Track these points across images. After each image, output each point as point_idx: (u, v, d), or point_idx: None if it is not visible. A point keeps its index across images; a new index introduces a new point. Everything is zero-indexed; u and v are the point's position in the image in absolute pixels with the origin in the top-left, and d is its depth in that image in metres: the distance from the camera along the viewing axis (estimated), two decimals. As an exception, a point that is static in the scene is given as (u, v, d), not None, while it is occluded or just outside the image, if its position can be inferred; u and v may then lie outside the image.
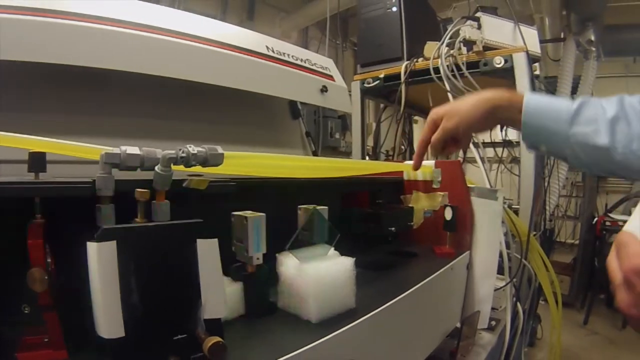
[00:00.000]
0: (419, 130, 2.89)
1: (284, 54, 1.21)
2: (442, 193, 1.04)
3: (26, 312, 0.43)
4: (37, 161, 0.51)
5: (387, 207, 0.98)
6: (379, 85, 1.69)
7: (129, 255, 0.41)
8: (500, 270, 1.31)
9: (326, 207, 0.73)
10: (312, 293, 0.58)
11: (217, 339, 0.43)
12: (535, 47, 1.62)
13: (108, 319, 0.39)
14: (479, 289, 1.06)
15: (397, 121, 1.69)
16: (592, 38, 3.59)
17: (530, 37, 1.62)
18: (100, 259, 0.39)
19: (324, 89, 1.22)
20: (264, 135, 1.35)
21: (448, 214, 1.00)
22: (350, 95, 1.39)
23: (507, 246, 1.30)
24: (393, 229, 0.88)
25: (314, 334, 0.53)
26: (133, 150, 0.50)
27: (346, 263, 0.64)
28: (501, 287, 1.25)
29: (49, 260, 0.43)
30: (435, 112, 0.75)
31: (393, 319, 0.69)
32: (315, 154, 1.44)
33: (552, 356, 1.75)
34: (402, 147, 2.24)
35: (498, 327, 1.25)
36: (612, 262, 0.42)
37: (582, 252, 4.20)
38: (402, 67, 1.59)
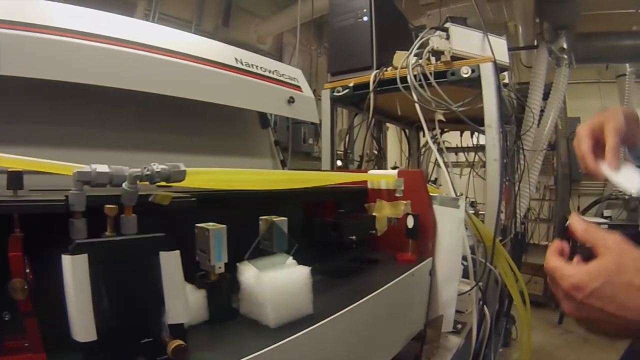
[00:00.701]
0: (391, 137, 2.94)
1: (252, 65, 1.23)
2: (404, 201, 1.07)
3: (7, 319, 0.49)
4: (15, 179, 0.55)
5: (348, 216, 1.00)
6: (349, 94, 1.72)
7: (99, 267, 0.45)
8: (468, 275, 1.35)
9: (285, 218, 0.75)
10: (269, 300, 0.62)
11: (180, 342, 0.48)
12: (503, 57, 1.67)
13: (81, 324, 0.43)
14: (443, 294, 1.09)
15: (367, 129, 1.72)
16: (565, 46, 3.69)
17: (499, 47, 1.67)
18: (73, 271, 0.44)
19: (291, 100, 1.24)
20: (233, 145, 1.37)
21: (410, 222, 1.03)
22: (318, 103, 1.40)
23: (473, 251, 1.34)
24: (353, 237, 0.90)
25: (272, 338, 0.56)
26: (102, 168, 0.54)
27: (302, 271, 0.67)
28: (466, 292, 1.29)
29: (27, 270, 0.47)
30: (593, 124, 0.66)
31: (352, 324, 0.72)
32: (283, 162, 1.45)
33: (523, 354, 1.79)
34: (375, 151, 2.28)
35: (464, 330, 1.28)
36: (551, 284, 0.53)
37: (555, 253, 4.29)
38: (371, 77, 1.63)
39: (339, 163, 1.97)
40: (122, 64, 0.94)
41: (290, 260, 0.70)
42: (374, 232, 1.02)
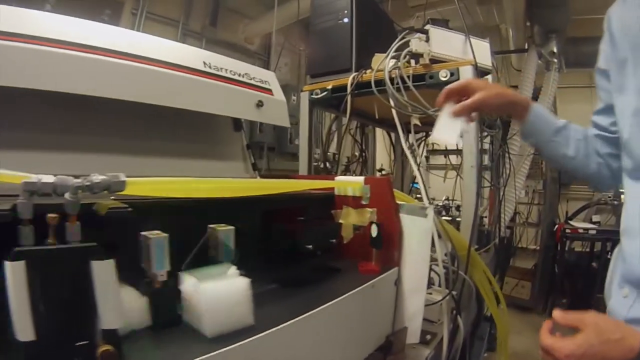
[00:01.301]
0: (381, 139, 2.92)
1: (221, 69, 1.19)
2: (370, 209, 1.03)
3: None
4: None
5: (309, 224, 0.97)
6: (327, 96, 1.69)
7: (36, 273, 0.49)
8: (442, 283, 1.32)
9: (232, 228, 0.73)
10: (205, 310, 0.63)
11: (108, 347, 0.52)
12: (486, 60, 1.64)
13: (20, 325, 0.48)
14: (409, 305, 1.06)
15: (343, 133, 1.70)
16: (555, 50, 3.68)
17: (482, 50, 1.64)
18: (13, 276, 0.48)
19: (259, 104, 1.21)
20: (204, 148, 1.34)
21: (374, 231, 1.00)
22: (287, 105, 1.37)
23: (452, 260, 1.32)
24: (310, 246, 0.87)
25: (209, 347, 0.58)
26: (47, 179, 0.56)
27: (241, 283, 0.66)
28: (438, 301, 1.26)
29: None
30: (468, 83, 0.95)
31: (299, 337, 0.70)
32: (254, 166, 1.42)
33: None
34: (363, 153, 2.25)
35: (434, 340, 1.26)
36: (545, 357, 0.67)
37: (542, 258, 4.31)
38: (349, 79, 1.59)
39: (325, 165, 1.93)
40: (78, 69, 0.90)
41: (233, 270, 0.68)
42: (334, 241, 0.98)
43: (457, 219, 2.56)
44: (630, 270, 0.74)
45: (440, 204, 2.70)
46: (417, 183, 2.62)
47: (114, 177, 0.62)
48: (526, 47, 3.84)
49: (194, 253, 0.66)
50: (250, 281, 0.67)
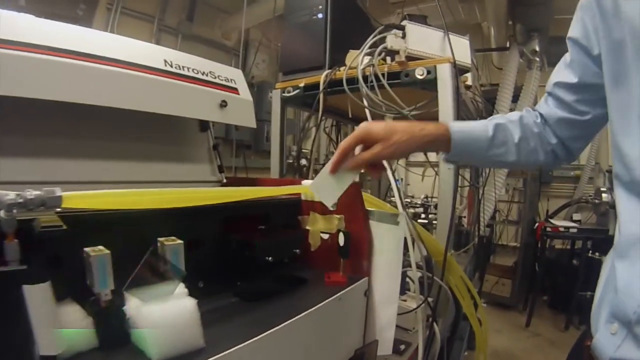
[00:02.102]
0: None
1: (183, 67, 1.12)
2: (338, 216, 0.97)
3: None
4: None
5: (268, 233, 0.90)
6: (299, 94, 1.62)
7: None
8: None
9: (181, 242, 0.67)
10: (149, 333, 0.59)
11: None
12: (465, 58, 1.59)
13: None
14: (380, 316, 1.01)
15: (316, 131, 1.64)
16: (537, 48, 3.68)
17: (461, 47, 1.58)
18: None
19: (223, 104, 1.14)
20: (168, 150, 1.26)
21: (341, 240, 0.94)
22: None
23: (428, 265, 1.27)
24: (270, 258, 0.80)
25: None
26: None
27: (188, 304, 0.62)
28: (413, 309, 1.21)
29: None
30: (368, 132, 0.77)
31: (258, 357, 0.65)
32: (220, 167, 1.35)
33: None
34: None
35: (408, 350, 1.20)
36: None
37: (523, 255, 4.32)
38: (322, 77, 1.53)
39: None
40: (18, 70, 0.82)
41: (180, 289, 0.63)
42: (297, 251, 0.92)
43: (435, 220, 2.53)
44: (622, 305, 0.63)
45: (419, 202, 2.66)
46: (398, 180, 2.57)
47: (50, 192, 0.59)
48: (508, 45, 3.83)
49: (137, 271, 0.59)
50: (197, 301, 0.62)
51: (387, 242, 0.97)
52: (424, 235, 1.20)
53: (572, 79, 0.81)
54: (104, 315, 0.61)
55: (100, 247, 0.61)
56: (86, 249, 0.61)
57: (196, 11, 3.63)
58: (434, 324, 1.31)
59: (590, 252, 3.69)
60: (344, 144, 0.77)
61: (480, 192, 2.45)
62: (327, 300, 0.81)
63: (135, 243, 0.63)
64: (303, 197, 1.07)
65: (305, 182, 1.08)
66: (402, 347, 1.18)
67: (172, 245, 0.66)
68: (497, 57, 4.24)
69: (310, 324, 0.77)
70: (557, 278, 4.11)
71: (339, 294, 0.85)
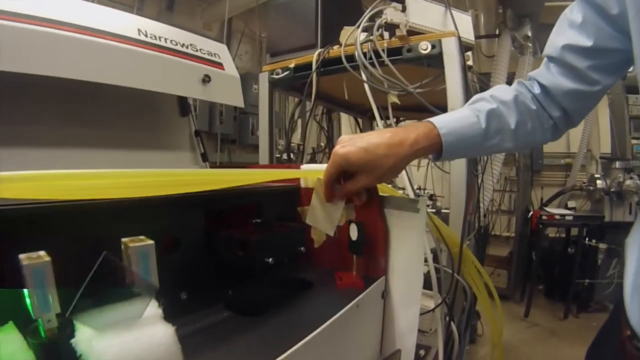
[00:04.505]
0: (347, 127, 2.72)
1: (159, 38, 0.96)
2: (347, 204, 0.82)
3: None
4: None
5: (266, 229, 0.74)
6: (289, 76, 1.47)
7: None
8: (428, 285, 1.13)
9: (152, 242, 0.49)
10: None
11: None
12: (468, 34, 1.46)
13: None
14: (400, 321, 0.85)
15: (309, 117, 1.48)
16: (529, 34, 3.60)
17: (464, 23, 1.46)
18: None
19: (206, 79, 0.97)
20: (145, 136, 1.10)
21: (353, 233, 0.79)
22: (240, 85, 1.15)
23: (436, 259, 1.13)
24: (270, 260, 0.64)
25: None
26: None
27: (160, 335, 0.43)
28: (431, 310, 1.07)
29: None
30: (346, 161, 0.69)
31: None
32: (204, 156, 1.19)
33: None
34: (329, 142, 2.05)
35: (428, 356, 1.06)
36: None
37: (518, 245, 4.27)
38: (314, 55, 1.38)
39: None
40: None
41: (152, 309, 0.45)
42: (302, 249, 0.76)
43: (431, 210, 2.41)
44: None
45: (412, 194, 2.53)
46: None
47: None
48: (497, 32, 3.75)
49: (85, 287, 0.42)
50: (180, 320, 0.46)
51: (407, 234, 0.82)
52: (440, 226, 1.06)
53: (586, 42, 0.71)
54: (47, 350, 0.44)
55: (40, 253, 0.43)
56: (21, 256, 0.43)
57: (176, 1, 3.45)
58: (452, 323, 1.18)
59: (587, 239, 3.64)
60: (327, 178, 0.72)
61: (479, 180, 2.33)
62: (344, 310, 0.65)
63: (92, 246, 0.46)
64: (302, 185, 0.91)
65: (305, 167, 0.93)
66: (422, 352, 1.04)
67: (139, 247, 0.49)
68: (487, 46, 4.17)
69: (326, 341, 0.61)
70: (552, 267, 4.06)
71: (356, 300, 0.69)
